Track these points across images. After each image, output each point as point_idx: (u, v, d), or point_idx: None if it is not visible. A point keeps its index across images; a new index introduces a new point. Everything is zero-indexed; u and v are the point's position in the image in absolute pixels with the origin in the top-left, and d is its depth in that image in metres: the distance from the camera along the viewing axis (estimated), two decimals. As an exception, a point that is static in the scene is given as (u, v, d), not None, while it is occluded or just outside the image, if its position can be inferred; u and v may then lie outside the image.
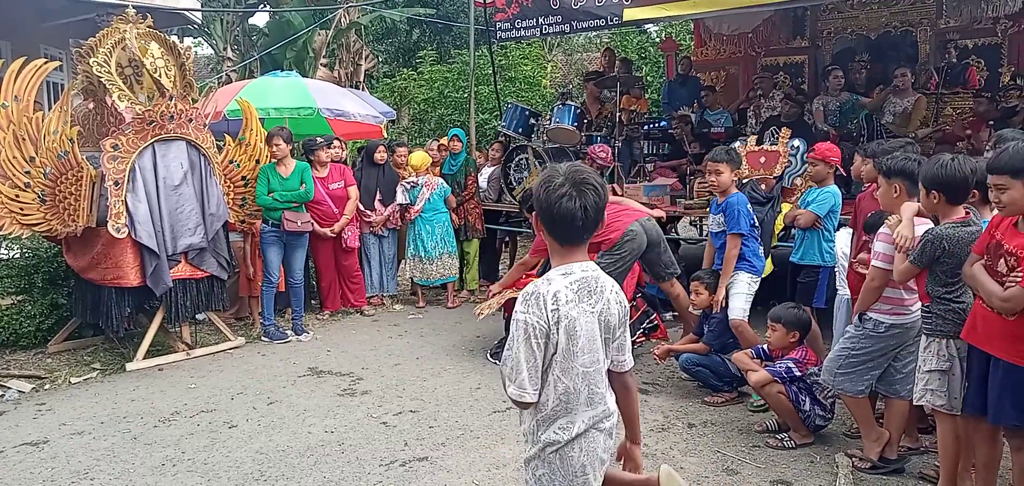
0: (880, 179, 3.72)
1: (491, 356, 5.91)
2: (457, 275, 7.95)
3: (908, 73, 8.14)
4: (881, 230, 3.66)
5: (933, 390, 3.31)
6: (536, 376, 2.05)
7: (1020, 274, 2.80)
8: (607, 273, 2.21)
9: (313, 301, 7.70)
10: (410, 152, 8.12)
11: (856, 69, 8.94)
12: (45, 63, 5.73)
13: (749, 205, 5.00)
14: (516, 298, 6.28)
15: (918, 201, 3.44)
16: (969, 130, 7.58)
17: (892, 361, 3.81)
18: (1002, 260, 2.87)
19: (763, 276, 5.81)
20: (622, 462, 2.44)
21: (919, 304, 3.60)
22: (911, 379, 3.74)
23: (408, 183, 7.71)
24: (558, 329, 2.03)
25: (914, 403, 3.54)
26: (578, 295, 2.07)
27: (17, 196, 5.46)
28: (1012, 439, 3.08)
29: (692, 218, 8.85)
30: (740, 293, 4.92)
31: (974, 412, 3.13)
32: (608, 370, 2.20)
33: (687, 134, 9.11)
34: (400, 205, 7.72)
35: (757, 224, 5.06)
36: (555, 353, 2.06)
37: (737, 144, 6.72)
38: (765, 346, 4.49)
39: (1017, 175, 2.81)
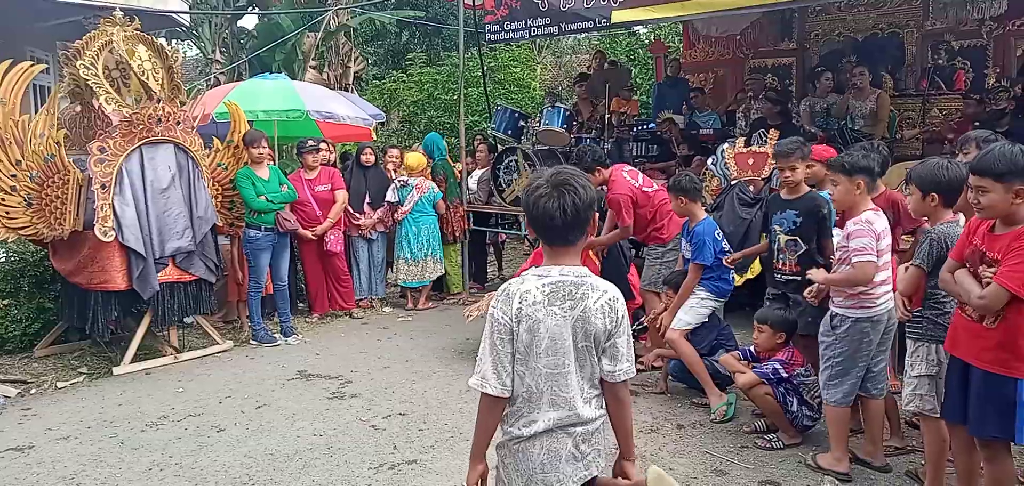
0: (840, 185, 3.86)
1: (480, 359, 5.88)
2: (432, 279, 7.94)
3: (865, 72, 8.05)
4: (853, 229, 3.61)
5: (922, 395, 3.30)
6: (501, 370, 2.11)
7: (992, 273, 2.74)
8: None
9: (301, 304, 7.67)
10: (402, 154, 8.11)
11: (843, 71, 8.97)
12: (31, 66, 5.69)
13: (718, 232, 4.85)
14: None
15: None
16: (956, 131, 7.61)
17: None
18: (983, 265, 2.83)
19: (751, 278, 5.83)
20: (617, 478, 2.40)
21: (887, 297, 3.59)
22: (882, 378, 3.78)
23: (399, 182, 7.72)
24: (520, 328, 2.09)
25: (904, 408, 3.53)
26: (549, 298, 2.10)
27: (3, 200, 5.43)
28: (985, 449, 2.98)
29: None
30: (690, 307, 4.78)
31: (954, 421, 3.08)
32: (601, 379, 2.20)
33: (675, 136, 9.14)
34: (389, 202, 7.71)
35: (729, 249, 4.94)
36: (520, 350, 2.13)
37: (726, 145, 6.74)
38: (752, 348, 4.51)
39: (1000, 178, 2.72)
